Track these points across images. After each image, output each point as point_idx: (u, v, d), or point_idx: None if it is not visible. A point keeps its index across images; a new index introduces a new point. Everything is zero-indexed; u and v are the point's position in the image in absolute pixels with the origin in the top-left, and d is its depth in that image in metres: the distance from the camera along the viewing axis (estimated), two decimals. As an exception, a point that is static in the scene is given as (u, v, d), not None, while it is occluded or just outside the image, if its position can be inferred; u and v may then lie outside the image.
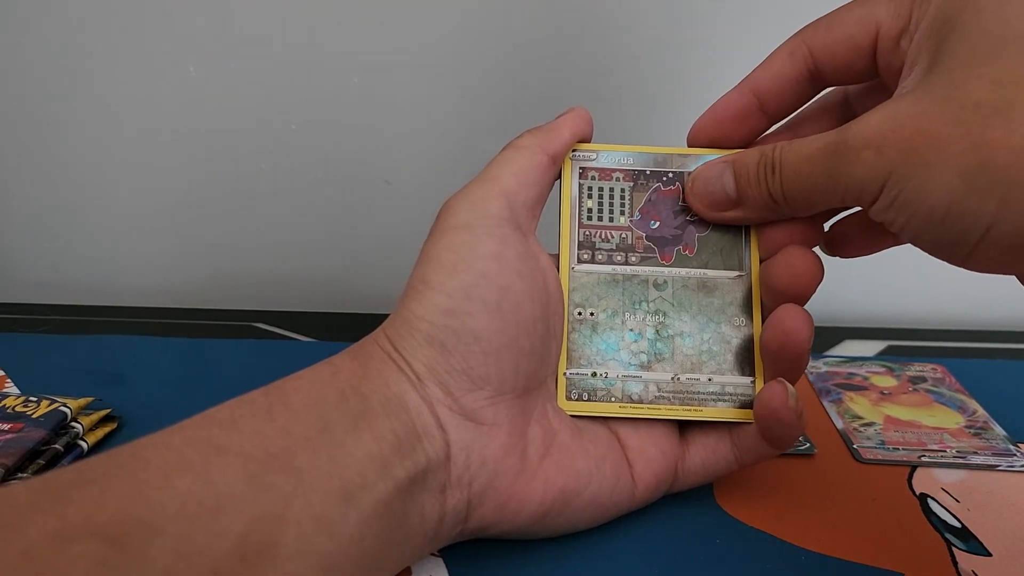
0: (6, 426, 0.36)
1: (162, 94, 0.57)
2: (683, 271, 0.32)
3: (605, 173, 0.33)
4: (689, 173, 0.32)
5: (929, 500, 0.34)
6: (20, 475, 0.34)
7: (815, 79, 0.30)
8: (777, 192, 0.28)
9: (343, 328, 0.53)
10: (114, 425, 0.39)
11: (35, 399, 0.38)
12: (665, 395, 0.31)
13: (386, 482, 0.24)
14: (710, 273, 0.32)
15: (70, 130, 0.59)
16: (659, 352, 0.31)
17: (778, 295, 0.30)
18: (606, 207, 0.32)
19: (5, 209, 0.63)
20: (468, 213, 0.29)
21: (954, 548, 0.31)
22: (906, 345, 0.51)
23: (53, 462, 0.36)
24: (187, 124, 0.58)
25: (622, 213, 0.32)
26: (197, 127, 0.58)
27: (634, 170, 0.33)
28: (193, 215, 0.61)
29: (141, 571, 0.19)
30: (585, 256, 0.32)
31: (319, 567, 0.22)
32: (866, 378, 0.45)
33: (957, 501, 0.34)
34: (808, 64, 0.29)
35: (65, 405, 0.38)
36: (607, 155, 0.33)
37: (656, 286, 0.32)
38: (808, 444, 0.38)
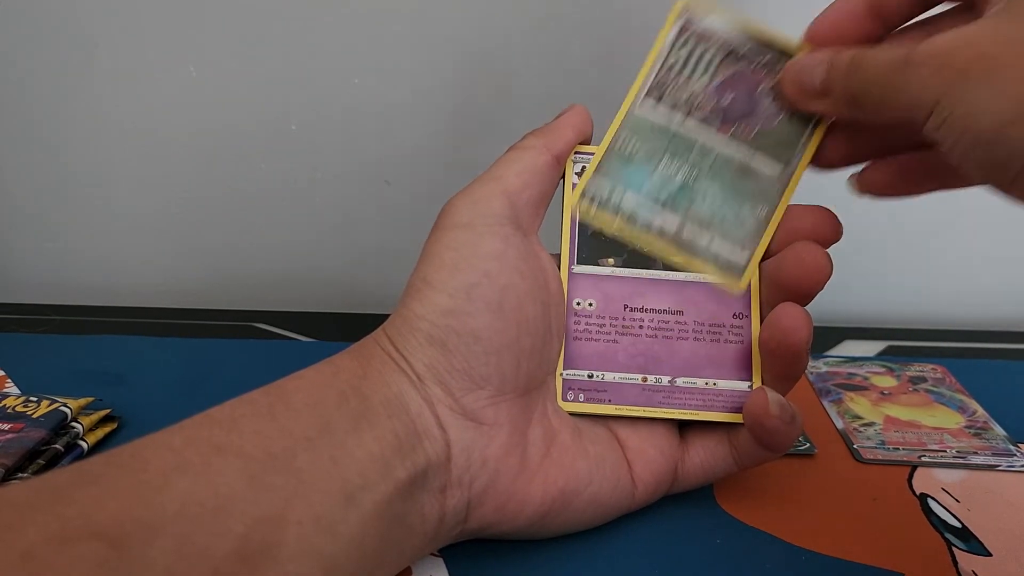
0: (6, 426, 0.36)
1: (162, 94, 0.57)
2: (733, 148, 0.32)
3: (705, 36, 0.32)
4: (777, 68, 0.32)
5: (929, 500, 0.34)
6: (20, 475, 0.34)
7: None
8: (855, 91, 0.28)
9: (343, 328, 0.53)
10: (114, 425, 0.39)
11: (35, 399, 0.38)
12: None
13: (387, 482, 0.24)
14: (757, 158, 0.32)
15: (70, 130, 0.59)
16: (676, 202, 0.31)
17: (782, 290, 0.30)
18: (692, 64, 0.32)
19: (5, 209, 0.63)
20: (470, 212, 0.29)
21: (954, 548, 0.31)
22: (906, 345, 0.51)
23: (53, 462, 0.36)
24: (187, 124, 0.58)
25: (704, 73, 0.32)
26: (197, 127, 0.58)
27: (732, 44, 0.32)
28: (193, 215, 0.61)
29: (141, 572, 0.19)
30: (654, 94, 0.32)
31: (320, 567, 0.22)
32: (866, 378, 0.45)
33: (957, 501, 0.34)
34: None
35: (65, 405, 0.38)
36: (713, 20, 0.33)
37: (701, 152, 0.32)
38: (808, 444, 0.38)
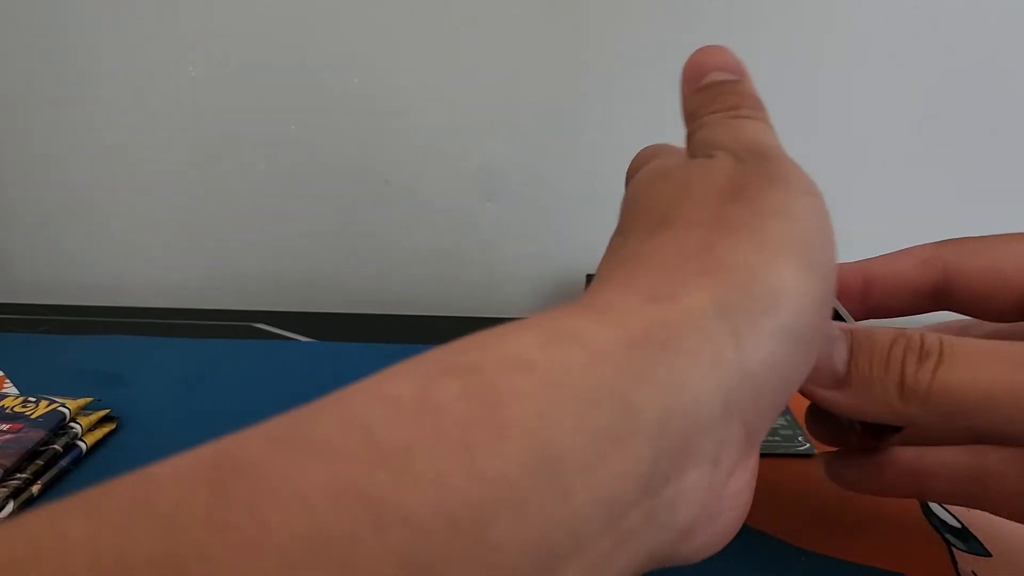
0: (5, 426, 0.36)
1: (162, 94, 0.57)
2: None
3: None
4: None
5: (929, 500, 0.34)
6: (19, 475, 0.34)
7: (937, 297, 0.27)
8: (920, 389, 0.21)
9: (343, 328, 0.53)
10: (113, 425, 0.39)
11: (34, 399, 0.38)
12: None
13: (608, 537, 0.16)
14: None
15: (70, 130, 0.59)
16: None
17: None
18: None
19: (5, 209, 0.63)
20: None
21: (954, 548, 0.31)
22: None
23: (52, 463, 0.36)
24: (187, 124, 0.58)
25: None
26: (197, 127, 0.58)
27: None
28: (193, 215, 0.61)
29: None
30: None
31: None
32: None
33: (957, 501, 0.34)
34: (937, 280, 0.27)
35: (64, 405, 0.38)
36: None
37: None
38: (808, 445, 0.38)
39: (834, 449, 0.29)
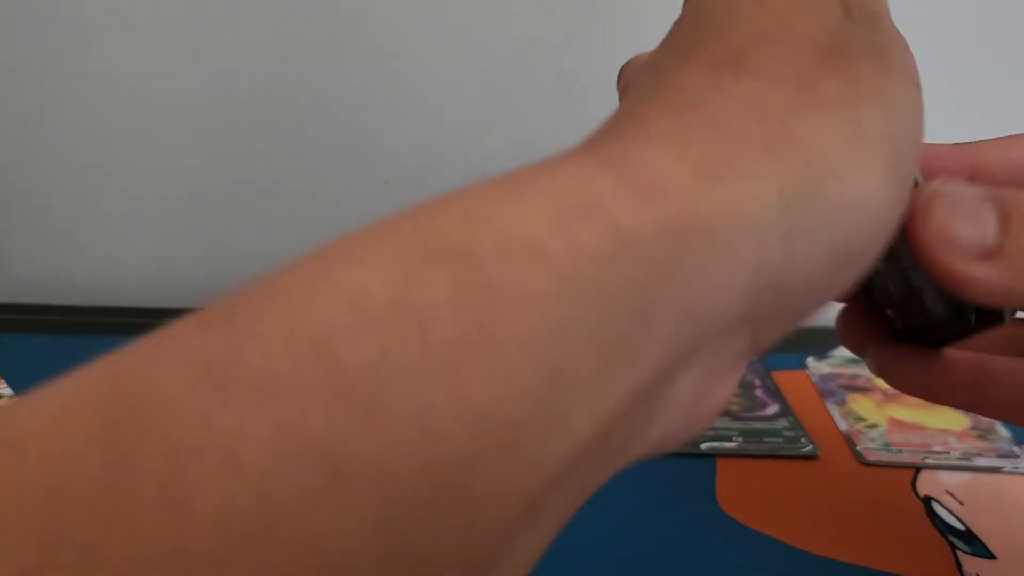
0: None
1: (160, 93, 0.57)
2: None
3: None
4: None
5: (933, 503, 0.34)
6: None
7: None
8: None
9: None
10: (110, 426, 0.39)
11: (30, 399, 0.38)
12: None
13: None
14: None
15: (69, 129, 0.59)
16: None
17: None
18: None
19: (5, 209, 0.63)
20: None
21: (958, 551, 0.31)
22: (910, 346, 0.51)
23: (48, 463, 0.35)
24: (186, 124, 0.58)
25: None
26: (195, 127, 0.58)
27: None
28: (193, 215, 0.61)
29: None
30: None
31: None
32: (870, 379, 0.45)
33: (961, 504, 0.34)
34: None
35: (61, 405, 0.37)
36: None
37: None
38: (811, 446, 0.38)
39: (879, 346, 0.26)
